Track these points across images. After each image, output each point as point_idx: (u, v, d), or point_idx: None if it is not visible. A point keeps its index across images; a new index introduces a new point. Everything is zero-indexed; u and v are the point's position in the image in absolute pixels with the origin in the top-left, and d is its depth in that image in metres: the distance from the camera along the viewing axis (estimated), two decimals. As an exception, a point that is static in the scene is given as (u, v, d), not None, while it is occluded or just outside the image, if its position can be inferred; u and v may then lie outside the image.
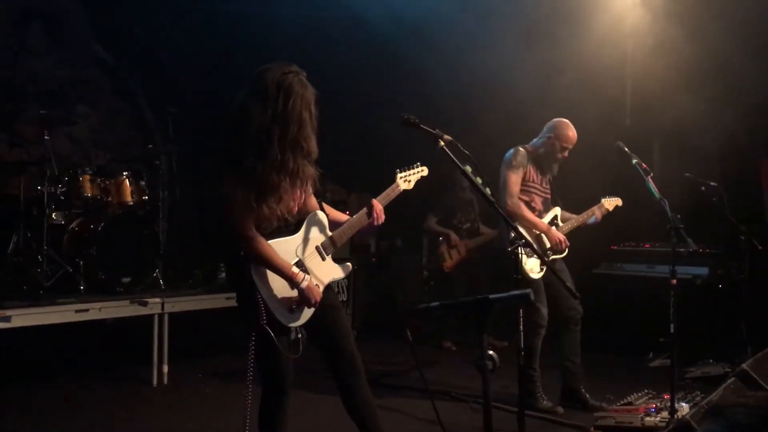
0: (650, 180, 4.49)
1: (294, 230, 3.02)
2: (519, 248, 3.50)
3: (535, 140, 5.09)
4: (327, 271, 3.11)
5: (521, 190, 4.94)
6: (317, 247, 3.09)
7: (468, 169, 3.04)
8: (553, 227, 4.99)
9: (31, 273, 5.55)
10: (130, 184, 6.16)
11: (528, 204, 4.94)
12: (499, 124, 7.28)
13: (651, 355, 6.37)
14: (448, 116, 6.65)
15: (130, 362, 5.94)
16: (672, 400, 4.09)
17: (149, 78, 8.95)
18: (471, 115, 7.43)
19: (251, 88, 2.84)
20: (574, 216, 5.16)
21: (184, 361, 6.04)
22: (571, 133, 4.96)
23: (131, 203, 6.17)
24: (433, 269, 8.30)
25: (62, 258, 5.78)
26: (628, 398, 4.47)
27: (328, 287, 3.14)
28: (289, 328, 2.95)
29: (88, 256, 5.69)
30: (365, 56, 8.40)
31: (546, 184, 5.10)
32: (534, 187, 5.00)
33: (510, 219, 4.78)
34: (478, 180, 3.08)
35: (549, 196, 5.11)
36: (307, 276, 2.93)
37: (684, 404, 4.24)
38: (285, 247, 2.95)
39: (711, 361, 5.90)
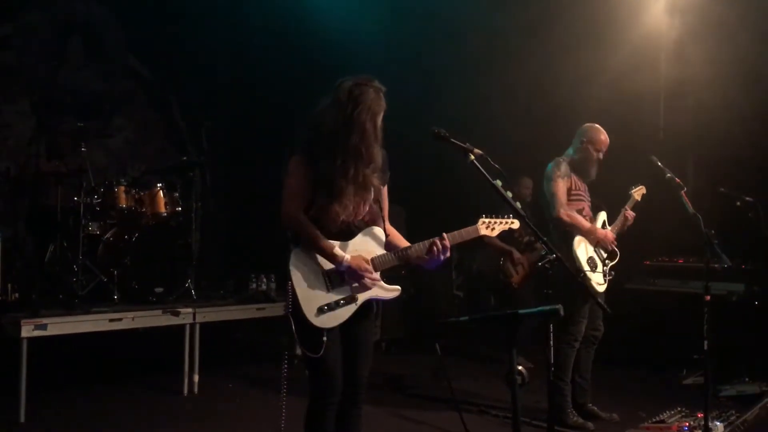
0: (683, 195, 4.44)
1: (347, 237, 3.06)
2: (551, 263, 3.47)
3: (568, 150, 5.09)
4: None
5: (571, 201, 4.91)
6: (368, 260, 3.09)
7: (498, 183, 3.03)
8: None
9: (67, 282, 5.65)
10: (164, 195, 6.25)
11: (580, 213, 4.91)
12: (530, 136, 7.27)
13: (684, 373, 6.26)
14: (477, 127, 6.66)
15: (161, 371, 6.01)
16: (706, 419, 4.02)
17: (184, 91, 9.10)
18: (501, 127, 7.41)
19: (331, 96, 3.03)
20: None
21: (214, 371, 6.10)
22: (603, 136, 4.98)
23: (165, 214, 6.25)
24: (462, 283, 8.27)
25: (97, 268, 5.88)
26: (661, 416, 4.40)
27: (368, 318, 3.16)
28: (316, 327, 2.95)
29: (123, 266, 5.78)
30: (395, 69, 8.45)
31: (588, 191, 5.09)
32: (581, 196, 4.99)
33: (564, 230, 4.82)
34: (509, 194, 3.06)
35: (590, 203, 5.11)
36: (347, 256, 2.98)
37: (718, 423, 4.17)
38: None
39: (746, 379, 5.77)
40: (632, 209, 5.09)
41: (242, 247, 8.89)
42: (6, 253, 5.02)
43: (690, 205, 4.38)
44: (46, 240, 6.06)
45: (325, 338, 2.95)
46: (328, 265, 3.00)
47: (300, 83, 8.28)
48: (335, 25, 8.40)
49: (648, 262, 6.97)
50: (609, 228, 5.05)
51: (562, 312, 2.31)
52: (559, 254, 3.18)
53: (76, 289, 5.55)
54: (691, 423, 4.21)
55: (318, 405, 3.03)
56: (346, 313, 3.04)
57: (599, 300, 3.38)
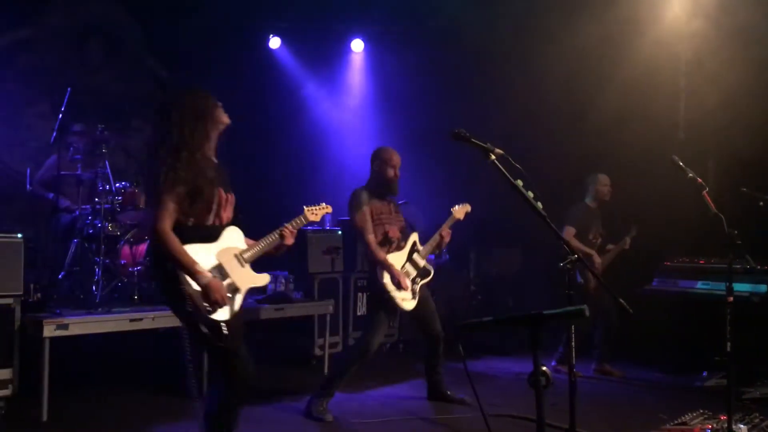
0: (705, 195, 4.39)
1: (214, 239, 3.38)
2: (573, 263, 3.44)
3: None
4: (246, 278, 3.49)
5: (377, 224, 5.08)
6: (235, 255, 3.44)
7: (519, 183, 3.01)
8: (415, 253, 5.17)
9: (88, 282, 5.68)
10: (184, 196, 6.25)
11: (386, 235, 5.07)
12: (548, 135, 7.23)
13: (706, 374, 6.20)
14: (493, 129, 6.64)
15: (179, 372, 6.02)
16: (729, 422, 3.97)
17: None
18: (515, 130, 7.36)
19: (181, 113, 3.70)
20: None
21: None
22: (394, 153, 5.17)
23: (184, 215, 6.26)
24: (479, 283, 8.25)
25: (117, 268, 5.92)
26: (683, 418, 4.36)
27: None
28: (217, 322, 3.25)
29: (142, 267, 5.81)
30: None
31: (396, 212, 5.28)
32: (386, 218, 5.15)
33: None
34: (530, 194, 3.04)
35: (404, 223, 5.30)
36: (209, 274, 3.21)
37: (742, 426, 4.13)
38: (206, 252, 3.31)
39: (770, 381, 5.72)
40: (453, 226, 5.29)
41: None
42: (27, 253, 5.05)
43: (712, 205, 4.32)
44: (67, 241, 6.11)
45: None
46: None
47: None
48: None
49: (669, 263, 6.89)
50: (421, 248, 5.21)
51: (587, 312, 2.29)
52: (580, 255, 3.16)
53: (97, 289, 5.58)
54: (714, 425, 4.17)
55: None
56: None
57: (621, 300, 3.32)
